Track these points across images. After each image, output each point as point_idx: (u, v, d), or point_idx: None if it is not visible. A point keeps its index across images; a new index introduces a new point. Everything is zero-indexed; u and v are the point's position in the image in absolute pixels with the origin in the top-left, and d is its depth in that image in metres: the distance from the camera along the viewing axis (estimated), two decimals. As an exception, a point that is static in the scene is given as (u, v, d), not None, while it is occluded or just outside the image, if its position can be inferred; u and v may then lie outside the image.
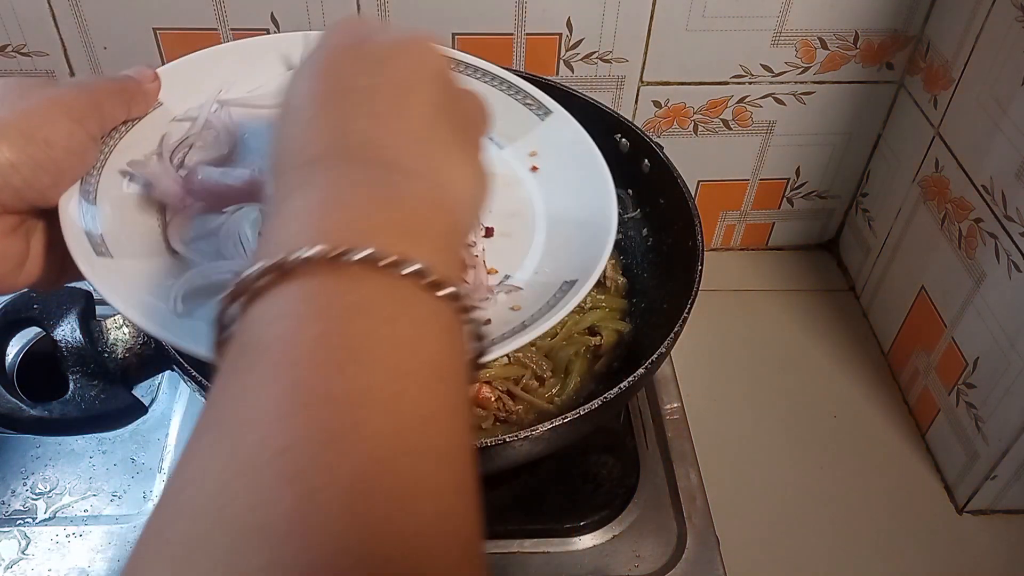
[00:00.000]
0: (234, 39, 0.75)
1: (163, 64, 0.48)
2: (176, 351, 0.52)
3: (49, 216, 0.40)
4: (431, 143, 0.33)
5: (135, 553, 0.22)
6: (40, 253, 0.41)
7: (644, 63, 0.79)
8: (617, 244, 0.72)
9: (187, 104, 0.48)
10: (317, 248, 0.26)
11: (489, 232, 0.51)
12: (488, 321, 0.46)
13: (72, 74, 0.76)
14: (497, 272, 0.49)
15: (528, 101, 0.55)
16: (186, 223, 0.45)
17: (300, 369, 0.24)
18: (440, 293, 0.27)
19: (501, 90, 0.55)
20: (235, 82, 0.50)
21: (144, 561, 0.22)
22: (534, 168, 0.54)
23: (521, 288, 0.48)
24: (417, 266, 0.27)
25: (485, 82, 0.55)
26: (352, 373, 0.24)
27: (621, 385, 0.52)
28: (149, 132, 0.46)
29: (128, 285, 0.40)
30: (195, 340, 0.37)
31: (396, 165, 0.31)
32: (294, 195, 0.30)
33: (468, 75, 0.54)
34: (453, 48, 0.74)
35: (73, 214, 0.40)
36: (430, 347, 0.27)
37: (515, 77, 0.55)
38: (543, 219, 0.52)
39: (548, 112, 0.55)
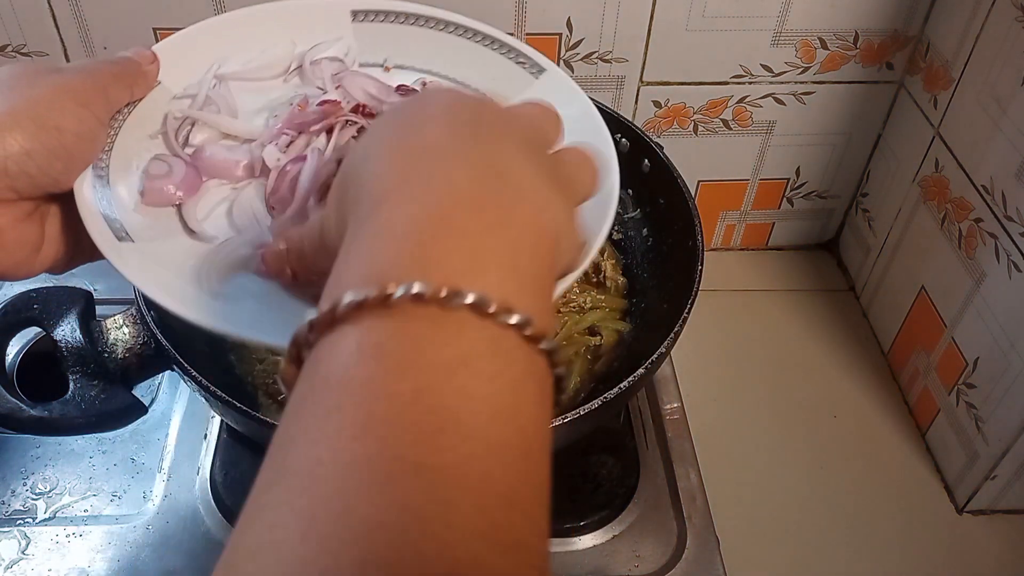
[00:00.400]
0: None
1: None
2: (175, 352, 0.52)
3: (61, 200, 0.41)
4: (539, 170, 0.30)
5: None
6: (55, 237, 0.41)
7: (644, 63, 0.79)
8: (617, 244, 0.72)
9: (186, 80, 0.48)
10: (421, 286, 0.23)
11: None
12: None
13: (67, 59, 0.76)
14: None
15: (521, 59, 0.54)
16: (198, 201, 0.45)
17: (390, 429, 0.22)
18: (542, 346, 0.25)
19: (493, 49, 0.54)
20: (231, 55, 0.50)
21: None
22: None
23: None
24: (521, 318, 0.24)
25: (476, 41, 0.54)
26: (445, 443, 0.22)
27: (621, 385, 0.52)
28: (152, 111, 0.46)
29: (152, 268, 0.40)
30: (224, 320, 0.37)
31: (507, 177, 0.28)
32: (394, 197, 0.27)
33: (458, 36, 0.54)
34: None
35: (89, 199, 0.40)
36: (527, 413, 0.24)
37: (507, 36, 0.54)
38: None
39: (542, 70, 0.53)
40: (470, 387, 0.23)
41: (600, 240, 0.44)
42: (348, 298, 0.23)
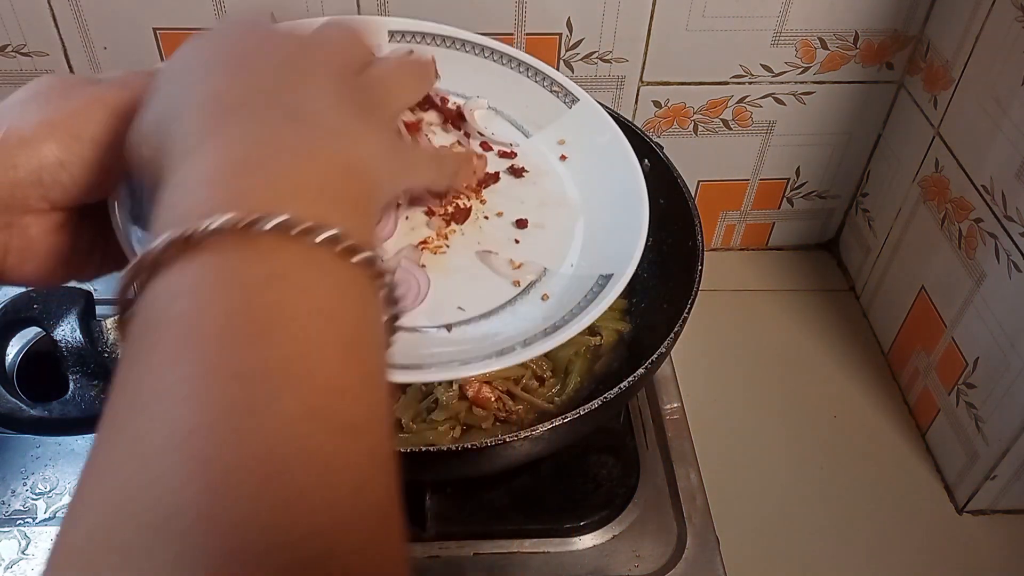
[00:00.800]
0: (234, 39, 0.75)
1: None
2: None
3: (92, 211, 0.41)
4: (341, 108, 0.32)
5: (51, 554, 0.21)
6: (85, 247, 0.41)
7: (644, 63, 0.79)
8: (617, 244, 0.72)
9: None
10: (227, 217, 0.24)
11: (522, 223, 0.49)
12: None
13: (67, 59, 0.76)
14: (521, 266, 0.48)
15: (555, 88, 0.54)
16: None
17: (208, 345, 0.23)
18: (355, 259, 0.26)
19: (527, 76, 0.55)
20: None
21: (56, 563, 0.21)
22: (563, 157, 0.53)
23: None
24: (333, 232, 0.26)
25: (511, 68, 0.54)
26: (263, 348, 0.23)
27: (621, 385, 0.52)
28: None
29: None
30: None
31: (310, 121, 0.30)
32: (197, 151, 0.28)
33: (494, 61, 0.54)
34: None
35: (123, 212, 0.40)
36: (346, 316, 0.26)
37: (541, 63, 0.55)
38: (578, 210, 0.51)
39: (575, 100, 0.54)
40: (284, 298, 0.24)
41: (631, 269, 0.45)
42: (158, 243, 0.25)
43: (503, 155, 0.52)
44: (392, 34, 0.53)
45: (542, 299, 0.46)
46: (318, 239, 0.25)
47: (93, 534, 0.21)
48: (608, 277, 0.46)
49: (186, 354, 0.23)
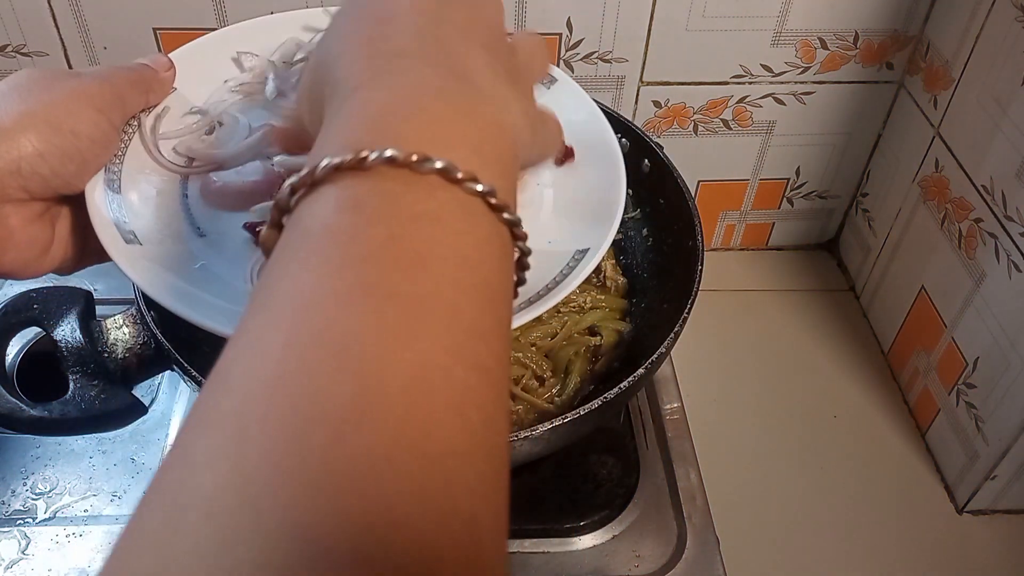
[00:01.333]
0: (234, 39, 0.75)
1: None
2: (175, 352, 0.52)
3: (71, 202, 0.41)
4: (497, 72, 0.33)
5: (185, 426, 0.22)
6: (64, 238, 0.42)
7: (644, 63, 0.79)
8: (617, 244, 0.72)
9: (200, 90, 0.49)
10: (395, 151, 0.25)
11: None
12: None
13: (67, 60, 0.76)
14: None
15: None
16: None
17: (367, 265, 0.24)
18: (504, 216, 0.28)
19: None
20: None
21: (195, 434, 0.22)
22: None
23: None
24: (487, 187, 0.27)
25: None
26: (417, 278, 0.24)
27: (621, 385, 0.52)
28: (167, 119, 0.47)
29: (159, 271, 0.40)
30: (231, 322, 0.38)
31: (470, 79, 0.31)
32: (367, 88, 0.29)
33: None
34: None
35: (100, 203, 0.40)
36: (490, 266, 0.27)
37: None
38: (551, 188, 0.51)
39: (553, 80, 0.55)
40: (439, 237, 0.25)
41: (604, 247, 0.45)
42: (326, 162, 0.26)
43: None
44: None
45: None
46: (476, 189, 0.26)
47: (242, 417, 0.21)
48: (584, 251, 0.46)
49: (346, 268, 0.24)
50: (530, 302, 0.44)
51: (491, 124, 0.30)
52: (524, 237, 0.29)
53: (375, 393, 0.21)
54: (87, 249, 0.43)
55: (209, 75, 0.49)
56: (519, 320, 0.42)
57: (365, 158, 0.25)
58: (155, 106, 0.46)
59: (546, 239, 0.48)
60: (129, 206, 0.42)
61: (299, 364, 0.22)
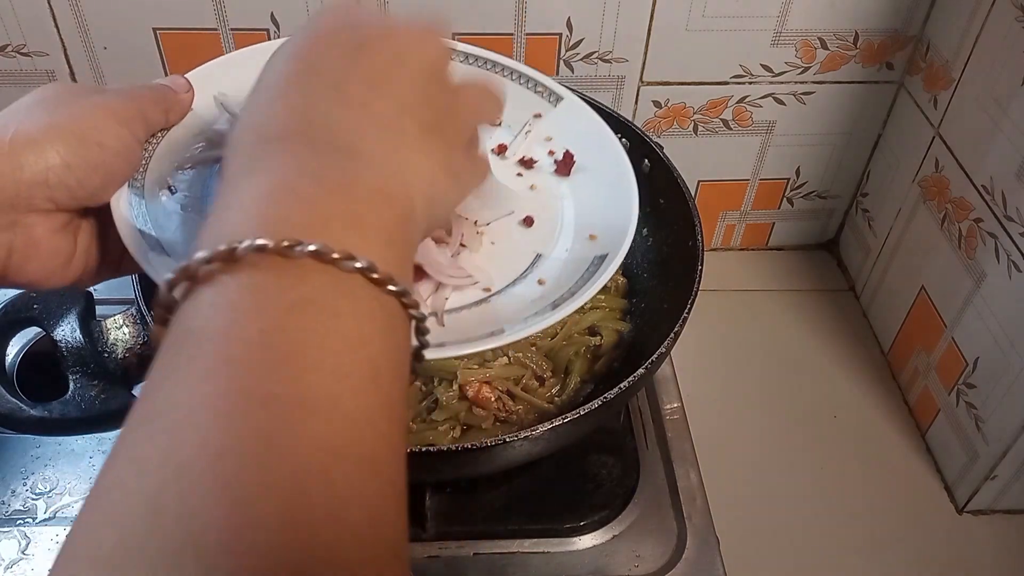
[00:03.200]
0: (234, 39, 0.75)
1: (166, 64, 0.49)
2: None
3: (94, 215, 0.42)
4: (395, 132, 0.33)
5: (62, 554, 0.22)
6: (85, 250, 0.42)
7: (644, 63, 0.79)
8: (617, 244, 0.72)
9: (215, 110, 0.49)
10: (265, 240, 0.25)
11: (529, 221, 0.51)
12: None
13: (72, 74, 0.76)
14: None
15: (539, 88, 0.56)
16: None
17: (240, 367, 0.24)
18: (385, 289, 0.27)
19: (510, 79, 0.56)
20: None
21: (71, 566, 0.21)
22: (551, 153, 0.55)
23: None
24: (365, 263, 0.27)
25: (497, 72, 0.56)
26: (291, 374, 0.24)
27: (621, 385, 0.52)
28: (182, 139, 0.47)
29: None
30: None
31: (353, 151, 0.31)
32: (247, 177, 0.29)
33: (480, 67, 0.56)
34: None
35: (126, 215, 0.41)
36: (372, 346, 0.26)
37: (523, 66, 0.56)
38: (569, 198, 0.53)
39: (559, 98, 0.56)
40: (315, 324, 0.25)
41: (625, 247, 0.47)
42: (200, 254, 0.26)
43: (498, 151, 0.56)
44: None
45: (538, 283, 0.48)
46: (351, 267, 0.26)
47: (118, 548, 0.21)
48: (603, 258, 0.47)
49: (221, 371, 0.24)
50: (554, 305, 0.44)
51: (375, 193, 0.30)
52: (415, 305, 0.29)
53: (248, 514, 0.21)
54: (106, 262, 0.44)
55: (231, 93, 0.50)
56: (542, 324, 0.43)
57: (234, 249, 0.25)
58: (173, 125, 0.47)
59: (563, 247, 0.50)
60: (154, 218, 0.43)
61: (176, 487, 0.21)
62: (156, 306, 0.27)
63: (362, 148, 0.31)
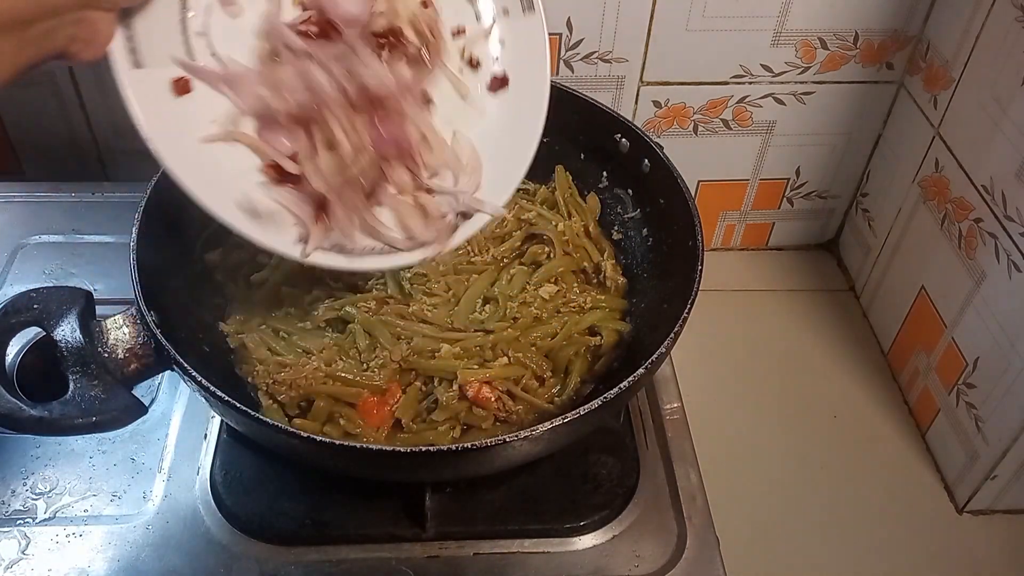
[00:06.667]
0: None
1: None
2: (175, 352, 0.52)
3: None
4: None
5: None
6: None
7: (644, 63, 0.79)
8: (617, 244, 0.72)
9: None
10: None
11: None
12: None
13: (72, 74, 0.76)
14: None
15: None
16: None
17: None
18: None
19: None
20: None
21: None
22: (496, 59, 0.58)
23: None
24: None
25: None
26: None
27: (621, 385, 0.52)
28: None
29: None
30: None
31: None
32: None
33: None
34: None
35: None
36: None
37: None
38: (482, 123, 0.58)
39: (531, 9, 0.57)
40: None
41: (517, 180, 0.53)
42: None
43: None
44: None
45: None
46: None
47: None
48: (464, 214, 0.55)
49: None
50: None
51: None
52: None
53: None
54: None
55: None
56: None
57: None
58: None
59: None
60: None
61: None
62: None
63: None
